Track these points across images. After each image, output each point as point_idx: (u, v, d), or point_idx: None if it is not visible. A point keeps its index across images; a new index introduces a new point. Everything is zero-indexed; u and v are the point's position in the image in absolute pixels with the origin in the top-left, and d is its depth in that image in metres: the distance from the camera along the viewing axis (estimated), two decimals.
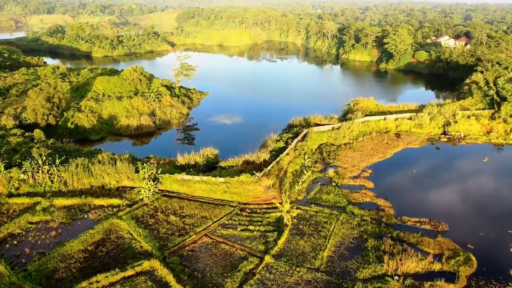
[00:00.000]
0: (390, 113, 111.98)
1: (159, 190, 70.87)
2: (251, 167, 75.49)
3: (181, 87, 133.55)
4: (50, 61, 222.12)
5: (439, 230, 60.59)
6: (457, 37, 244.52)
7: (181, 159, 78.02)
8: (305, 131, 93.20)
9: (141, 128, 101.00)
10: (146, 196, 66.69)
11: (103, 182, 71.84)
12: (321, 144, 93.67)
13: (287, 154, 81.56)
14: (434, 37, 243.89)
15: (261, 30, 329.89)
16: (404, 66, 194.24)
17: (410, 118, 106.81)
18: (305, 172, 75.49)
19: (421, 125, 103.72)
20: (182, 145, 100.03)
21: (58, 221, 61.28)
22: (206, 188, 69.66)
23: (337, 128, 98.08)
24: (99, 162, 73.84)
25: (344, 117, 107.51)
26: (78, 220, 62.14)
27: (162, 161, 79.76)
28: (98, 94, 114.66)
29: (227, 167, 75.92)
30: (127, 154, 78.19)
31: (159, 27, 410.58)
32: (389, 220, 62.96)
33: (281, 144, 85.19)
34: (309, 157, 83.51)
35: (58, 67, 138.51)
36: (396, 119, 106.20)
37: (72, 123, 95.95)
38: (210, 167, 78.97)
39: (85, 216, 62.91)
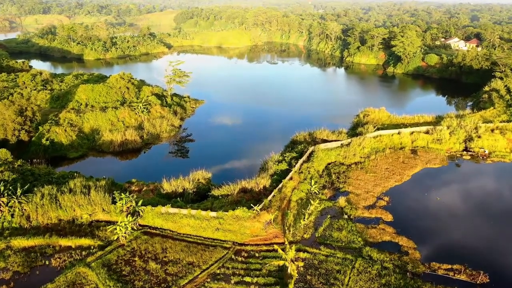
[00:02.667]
0: (404, 125, 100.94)
1: (139, 225, 59.86)
2: (249, 196, 64.45)
3: (174, 94, 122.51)
4: (40, 64, 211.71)
5: (477, 282, 49.48)
6: (467, 39, 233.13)
7: (167, 186, 66.90)
8: (310, 149, 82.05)
9: (126, 144, 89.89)
10: (122, 235, 55.62)
11: (74, 216, 60.85)
12: (329, 164, 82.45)
13: (291, 178, 70.46)
14: (443, 39, 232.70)
15: (262, 31, 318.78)
16: (413, 70, 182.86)
17: (427, 132, 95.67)
18: (311, 201, 64.36)
19: (440, 140, 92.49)
20: (175, 158, 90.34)
21: (12, 270, 50.25)
22: (195, 224, 58.59)
23: (347, 145, 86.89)
24: (70, 190, 62.78)
25: (353, 131, 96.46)
26: (38, 268, 51.04)
27: (145, 188, 68.67)
28: (81, 104, 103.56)
29: (220, 196, 64.82)
30: (104, 180, 67.03)
31: (157, 27, 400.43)
32: (415, 267, 51.80)
33: (283, 166, 74.06)
34: (316, 181, 72.45)
35: (40, 73, 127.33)
36: (412, 133, 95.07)
37: (47, 139, 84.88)
38: (201, 195, 67.93)
39: (47, 262, 51.80)
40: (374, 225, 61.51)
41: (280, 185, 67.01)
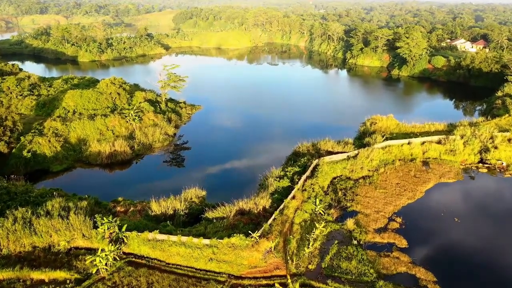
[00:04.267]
0: (415, 135, 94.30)
1: (123, 253, 53.26)
2: (247, 219, 57.81)
3: (169, 100, 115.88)
4: (33, 66, 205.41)
5: None
6: (473, 40, 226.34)
7: (156, 207, 60.23)
8: (314, 162, 75.38)
9: (115, 155, 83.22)
10: (103, 267, 48.98)
11: (50, 242, 54.23)
12: (334, 179, 75.78)
13: (294, 197, 63.87)
14: (449, 40, 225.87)
15: (262, 31, 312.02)
16: (419, 73, 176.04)
17: (439, 142, 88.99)
18: (316, 224, 57.70)
19: (453, 151, 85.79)
20: (168, 168, 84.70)
21: None
22: (185, 253, 51.94)
23: (353, 157, 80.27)
24: (47, 213, 56.23)
25: (360, 141, 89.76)
26: None
27: (132, 208, 62.04)
28: (68, 111, 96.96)
29: (214, 220, 58.14)
30: (86, 201, 60.33)
31: (156, 28, 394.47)
32: None
33: (285, 182, 67.41)
34: (321, 199, 65.82)
35: (28, 77, 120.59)
36: (423, 143, 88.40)
37: (29, 151, 78.27)
38: (194, 217, 61.35)
39: None
40: (387, 253, 54.85)
41: (281, 206, 60.41)
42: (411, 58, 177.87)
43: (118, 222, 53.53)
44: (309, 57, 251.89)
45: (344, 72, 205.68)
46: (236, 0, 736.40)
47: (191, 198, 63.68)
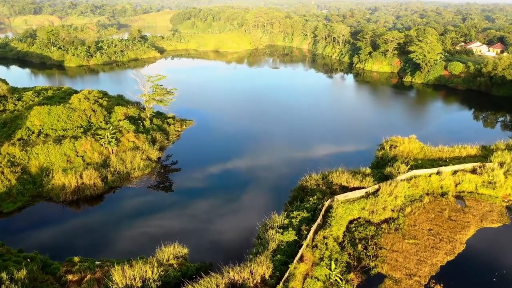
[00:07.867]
0: (443, 161, 79.37)
1: None
2: None
3: (155, 115, 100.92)
4: (18, 71, 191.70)
5: None
6: (489, 43, 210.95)
7: (119, 277, 45.09)
8: (326, 204, 60.45)
9: (82, 189, 68.38)
10: None
11: None
12: (351, 223, 60.94)
13: (301, 258, 48.92)
14: (463, 43, 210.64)
15: (263, 33, 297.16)
16: (434, 80, 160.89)
17: (474, 171, 74.15)
18: None
19: (493, 184, 70.87)
20: (156, 191, 72.83)
21: None
22: None
23: (373, 193, 65.39)
24: None
25: (379, 170, 74.61)
26: None
27: (89, 275, 47.04)
28: (33, 132, 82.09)
29: None
30: (25, 270, 45.32)
31: (153, 29, 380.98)
32: None
33: (290, 235, 52.42)
34: (337, 258, 50.96)
35: None
36: (455, 172, 73.56)
37: None
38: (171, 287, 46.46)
39: None
40: None
41: (286, 275, 45.47)
42: (426, 64, 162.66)
43: None
44: (313, 61, 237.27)
45: (351, 77, 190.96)
46: (236, 0, 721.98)
47: (168, 260, 48.84)
